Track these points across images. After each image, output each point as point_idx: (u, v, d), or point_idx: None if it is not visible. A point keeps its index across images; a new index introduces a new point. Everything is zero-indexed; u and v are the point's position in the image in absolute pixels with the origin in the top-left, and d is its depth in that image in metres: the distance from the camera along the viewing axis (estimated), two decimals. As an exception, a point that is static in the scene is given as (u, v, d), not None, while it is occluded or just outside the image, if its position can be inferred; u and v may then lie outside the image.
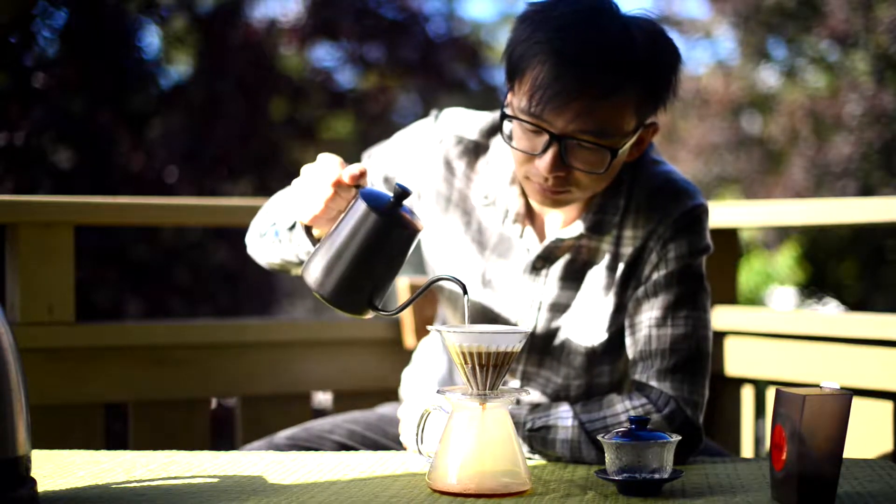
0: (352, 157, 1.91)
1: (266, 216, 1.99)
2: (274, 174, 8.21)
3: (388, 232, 1.61)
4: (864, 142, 10.84)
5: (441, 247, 2.01)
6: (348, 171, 1.67)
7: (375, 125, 9.07)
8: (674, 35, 1.85)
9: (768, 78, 12.83)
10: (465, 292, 1.62)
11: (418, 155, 2.01)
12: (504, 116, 1.83)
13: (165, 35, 8.92)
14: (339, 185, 1.67)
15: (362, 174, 1.68)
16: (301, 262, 1.92)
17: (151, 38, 8.96)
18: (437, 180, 2.00)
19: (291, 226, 1.87)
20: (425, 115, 2.09)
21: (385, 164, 2.03)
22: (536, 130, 1.78)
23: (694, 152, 12.00)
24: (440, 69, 9.57)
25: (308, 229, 1.77)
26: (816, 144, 11.24)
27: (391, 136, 2.09)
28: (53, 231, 2.41)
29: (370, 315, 1.67)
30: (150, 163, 8.05)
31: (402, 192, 1.62)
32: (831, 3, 10.97)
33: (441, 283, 2.01)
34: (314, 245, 1.73)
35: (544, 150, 1.78)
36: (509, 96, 1.83)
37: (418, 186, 2.00)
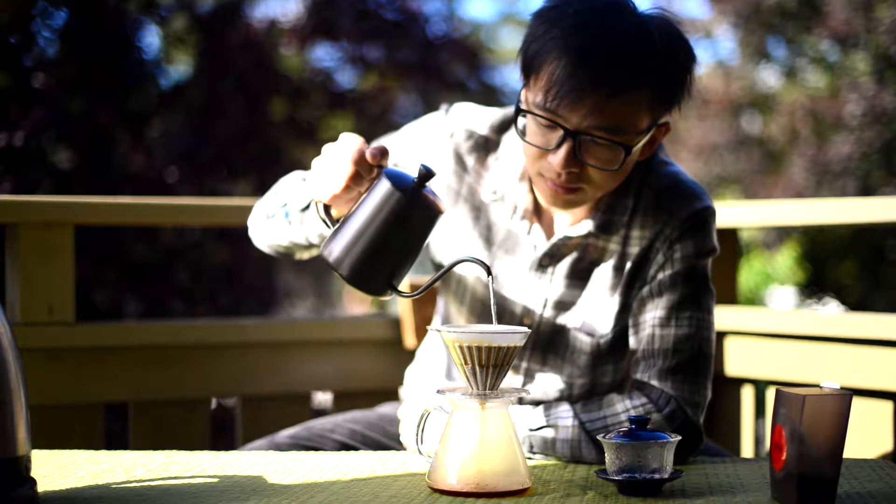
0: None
1: (275, 198, 1.98)
2: (274, 174, 8.18)
3: (411, 212, 1.60)
4: (864, 141, 10.84)
5: (448, 240, 2.01)
6: (371, 150, 1.66)
7: (375, 125, 9.05)
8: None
9: (768, 78, 12.83)
10: (490, 273, 1.61)
11: (429, 147, 2.01)
12: (518, 111, 1.83)
13: (165, 35, 8.91)
14: (361, 163, 1.66)
15: (384, 153, 1.66)
16: (310, 245, 1.92)
17: (151, 38, 8.96)
18: (447, 173, 2.00)
19: (304, 207, 1.86)
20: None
21: (394, 154, 2.02)
22: (551, 126, 1.78)
23: (694, 152, 11.99)
24: (440, 70, 9.56)
25: (326, 209, 1.73)
26: (816, 144, 11.24)
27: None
28: (53, 231, 2.41)
29: (389, 296, 1.66)
30: (150, 163, 8.04)
31: (427, 173, 1.61)
32: (831, 3, 10.97)
33: (445, 277, 2.01)
34: (331, 224, 1.70)
35: (558, 146, 1.78)
36: (524, 91, 1.83)
37: None
